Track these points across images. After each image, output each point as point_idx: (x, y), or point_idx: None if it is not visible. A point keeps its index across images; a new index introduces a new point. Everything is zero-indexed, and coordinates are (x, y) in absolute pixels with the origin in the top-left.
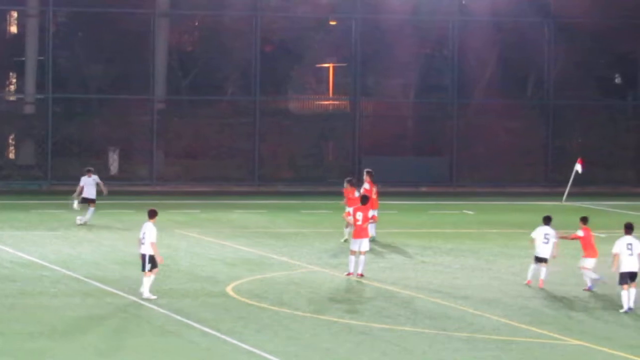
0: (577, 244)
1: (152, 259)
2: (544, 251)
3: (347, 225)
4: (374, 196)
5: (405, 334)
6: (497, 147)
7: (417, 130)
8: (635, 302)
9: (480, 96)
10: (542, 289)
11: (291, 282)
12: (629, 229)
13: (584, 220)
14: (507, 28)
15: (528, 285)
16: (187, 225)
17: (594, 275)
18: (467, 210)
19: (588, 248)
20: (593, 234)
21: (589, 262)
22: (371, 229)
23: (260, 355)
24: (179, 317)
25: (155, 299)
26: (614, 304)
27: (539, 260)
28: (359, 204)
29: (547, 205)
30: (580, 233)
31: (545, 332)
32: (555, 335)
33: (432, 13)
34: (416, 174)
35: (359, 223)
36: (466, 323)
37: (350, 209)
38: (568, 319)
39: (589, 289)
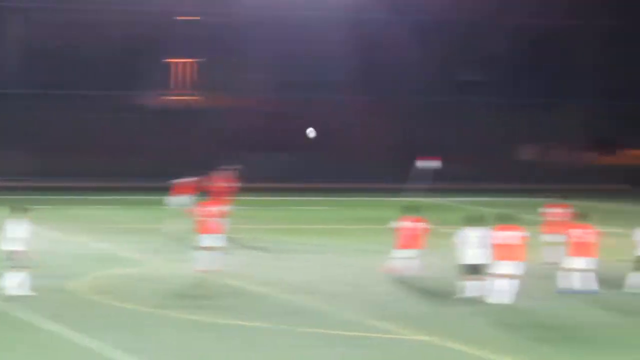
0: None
1: (15, 255)
2: None
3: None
4: (227, 191)
5: (255, 330)
6: (353, 143)
7: (273, 126)
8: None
9: (338, 92)
10: (397, 285)
11: (139, 277)
12: (473, 220)
13: (409, 210)
14: (366, 24)
15: (386, 273)
16: (36, 221)
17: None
18: (323, 206)
19: (404, 239)
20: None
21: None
22: (222, 225)
23: (102, 352)
24: (20, 314)
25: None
26: (463, 299)
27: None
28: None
29: (403, 201)
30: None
31: (393, 327)
32: (403, 331)
33: (291, 9)
34: (273, 169)
35: (208, 218)
36: (317, 319)
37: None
38: (418, 314)
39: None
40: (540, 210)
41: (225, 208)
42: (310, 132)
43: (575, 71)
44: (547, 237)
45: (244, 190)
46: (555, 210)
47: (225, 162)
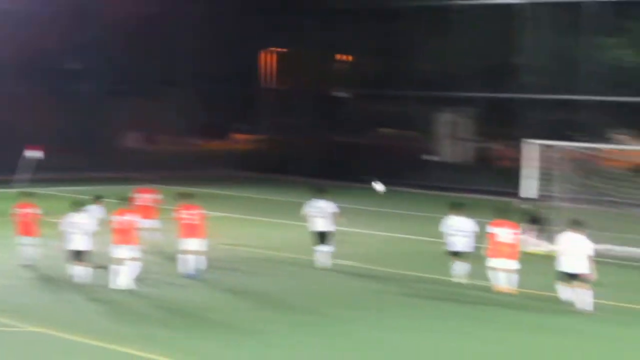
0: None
1: None
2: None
3: None
4: None
5: None
6: None
7: None
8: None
9: None
10: (13, 277)
11: None
12: (76, 206)
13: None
14: None
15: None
16: None
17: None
18: None
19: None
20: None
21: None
22: None
23: None
24: None
25: None
26: (80, 287)
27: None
28: None
29: (11, 192)
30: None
31: (7, 320)
32: (18, 323)
33: None
34: None
35: None
36: None
37: None
38: (34, 305)
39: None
40: (130, 195)
41: None
42: (378, 186)
43: (180, 57)
44: (141, 222)
45: None
46: (145, 196)
47: None
